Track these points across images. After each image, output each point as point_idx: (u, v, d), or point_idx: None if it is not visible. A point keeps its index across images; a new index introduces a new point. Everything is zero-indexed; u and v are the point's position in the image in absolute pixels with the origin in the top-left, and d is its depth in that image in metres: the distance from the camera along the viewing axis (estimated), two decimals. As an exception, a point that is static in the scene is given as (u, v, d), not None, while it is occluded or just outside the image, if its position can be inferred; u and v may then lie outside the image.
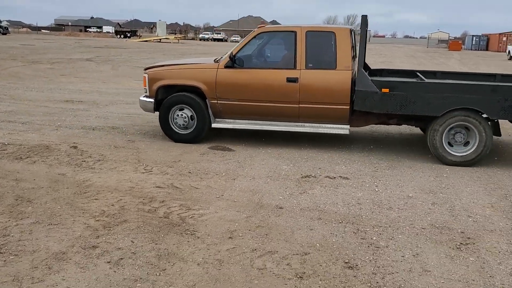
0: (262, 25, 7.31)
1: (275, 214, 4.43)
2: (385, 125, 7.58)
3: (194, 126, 6.98)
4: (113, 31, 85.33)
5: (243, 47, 6.82)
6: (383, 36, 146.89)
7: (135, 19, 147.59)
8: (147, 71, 7.24)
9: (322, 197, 4.93)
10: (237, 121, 6.97)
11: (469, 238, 4.04)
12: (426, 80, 6.75)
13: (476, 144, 6.15)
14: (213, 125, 6.94)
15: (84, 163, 5.86)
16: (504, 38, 60.42)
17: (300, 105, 6.62)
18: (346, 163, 6.22)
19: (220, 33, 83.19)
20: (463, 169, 6.04)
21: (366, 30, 6.55)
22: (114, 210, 4.40)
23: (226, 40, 78.15)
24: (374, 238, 3.98)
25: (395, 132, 8.31)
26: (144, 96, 7.27)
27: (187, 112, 6.95)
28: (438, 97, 6.12)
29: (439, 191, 5.20)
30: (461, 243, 3.93)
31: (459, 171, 5.98)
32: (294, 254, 3.64)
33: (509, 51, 42.51)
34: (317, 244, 3.82)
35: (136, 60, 24.14)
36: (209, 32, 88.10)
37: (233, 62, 6.69)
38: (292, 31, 6.68)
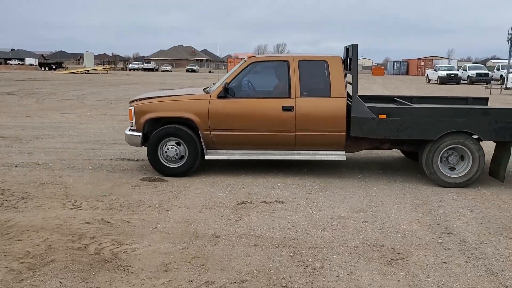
0: (251, 55, 7.22)
1: (211, 243, 4.37)
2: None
3: (186, 159, 6.81)
4: (37, 63, 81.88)
5: (235, 77, 6.80)
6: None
7: (61, 51, 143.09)
8: (133, 103, 7.03)
9: (258, 222, 4.94)
10: (230, 151, 6.88)
11: (399, 253, 4.20)
12: (422, 106, 7.10)
13: (470, 165, 6.39)
14: (207, 157, 6.83)
15: (6, 203, 5.51)
16: (422, 63, 64.72)
17: (296, 133, 6.66)
18: (281, 187, 6.30)
19: (150, 63, 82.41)
20: (391, 187, 6.32)
21: (357, 58, 6.81)
22: (40, 250, 4.16)
23: (156, 70, 77.52)
24: (310, 260, 4.03)
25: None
26: (129, 130, 7.05)
27: (177, 144, 6.82)
28: (433, 121, 6.33)
29: (369, 210, 5.39)
30: (391, 259, 4.07)
31: (387, 189, 6.24)
32: (231, 283, 3.60)
33: (427, 75, 45.59)
34: (255, 271, 3.81)
35: (62, 93, 23.29)
36: (139, 62, 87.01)
37: (226, 92, 6.65)
38: (285, 61, 6.82)
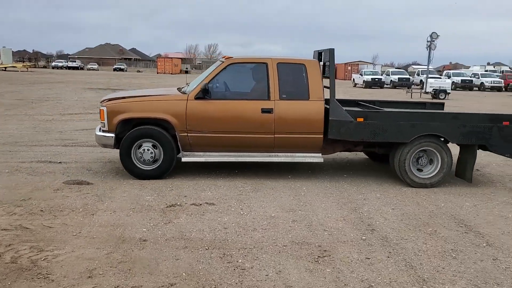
0: (228, 56, 6.98)
1: (138, 247, 4.26)
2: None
3: (161, 161, 6.63)
4: None
5: (213, 78, 6.69)
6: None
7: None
8: (106, 103, 6.70)
9: (188, 225, 4.88)
10: (207, 153, 6.76)
11: (325, 250, 4.32)
12: (396, 110, 7.25)
13: (439, 166, 6.69)
14: (183, 159, 6.69)
15: None
16: (349, 68, 67.16)
17: (275, 135, 6.65)
18: (211, 189, 6.27)
19: (75, 61, 78.93)
20: (319, 187, 6.49)
21: (334, 63, 6.88)
22: (-51, 261, 3.84)
23: (82, 68, 74.35)
24: (240, 260, 4.04)
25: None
26: (101, 131, 6.71)
27: (152, 147, 6.60)
28: (408, 125, 6.57)
29: (298, 209, 5.50)
30: (318, 256, 4.18)
31: (315, 189, 6.40)
32: (159, 287, 3.53)
33: (353, 79, 47.44)
34: (183, 274, 3.76)
35: (-23, 91, 21.72)
36: (63, 60, 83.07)
37: (205, 93, 6.53)
38: (263, 63, 6.75)
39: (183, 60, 74.52)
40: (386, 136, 6.64)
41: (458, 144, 6.88)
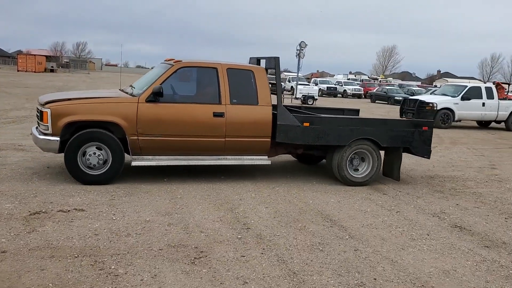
0: (177, 60, 6.85)
1: (-3, 259, 3.87)
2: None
3: (109, 166, 6.39)
4: None
5: (164, 81, 6.56)
6: (116, 65, 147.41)
7: None
8: (50, 105, 6.24)
9: (55, 233, 4.55)
10: (157, 157, 6.63)
11: (202, 252, 4.35)
12: (337, 116, 7.63)
13: (370, 166, 7.39)
14: (133, 163, 6.50)
15: None
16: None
17: (226, 139, 6.77)
18: (81, 194, 5.92)
19: None
20: (195, 189, 6.50)
21: (280, 71, 7.27)
22: None
23: None
24: (113, 266, 3.89)
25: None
26: (43, 134, 6.27)
27: (98, 150, 6.34)
28: (347, 129, 7.14)
29: (174, 212, 5.45)
30: (195, 258, 4.19)
31: (192, 191, 6.40)
32: (22, 301, 3.24)
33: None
34: (50, 285, 3.50)
35: None
36: None
37: (156, 96, 6.39)
38: (213, 68, 6.86)
39: (48, 58, 69.03)
40: (328, 140, 7.16)
41: (385, 147, 7.57)
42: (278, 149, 7.49)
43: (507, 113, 18.89)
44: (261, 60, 7.95)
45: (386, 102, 36.43)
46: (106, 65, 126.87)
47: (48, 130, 6.27)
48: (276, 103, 7.05)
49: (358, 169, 7.48)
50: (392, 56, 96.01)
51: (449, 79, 77.70)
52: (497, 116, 18.60)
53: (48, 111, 6.24)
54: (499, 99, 18.92)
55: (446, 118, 17.94)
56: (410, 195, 6.98)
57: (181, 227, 4.98)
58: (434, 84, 71.40)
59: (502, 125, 19.31)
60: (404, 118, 7.90)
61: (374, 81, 63.10)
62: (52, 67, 62.70)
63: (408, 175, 8.46)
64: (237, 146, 6.93)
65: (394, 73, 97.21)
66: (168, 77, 6.67)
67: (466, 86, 19.21)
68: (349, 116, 8.62)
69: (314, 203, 6.18)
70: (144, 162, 6.60)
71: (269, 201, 6.17)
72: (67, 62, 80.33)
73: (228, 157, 6.98)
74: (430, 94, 22.34)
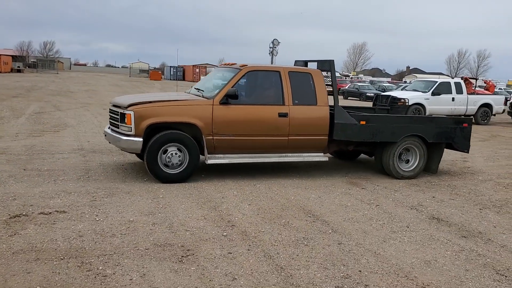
0: (243, 64, 7.38)
1: (-20, 264, 3.80)
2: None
3: (187, 165, 6.81)
4: None
5: (234, 84, 7.02)
6: (85, 65, 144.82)
7: None
8: (132, 108, 6.63)
9: (38, 236, 4.49)
10: (228, 155, 7.09)
11: (188, 250, 4.37)
12: (389, 115, 8.17)
13: (418, 160, 7.96)
14: (209, 162, 6.94)
15: None
16: (197, 70, 68.01)
17: (289, 137, 7.25)
18: (61, 196, 5.85)
19: None
20: (177, 189, 6.50)
21: (335, 73, 7.81)
22: None
23: None
24: (101, 267, 3.87)
25: (109, 161, 8.28)
26: (126, 136, 6.62)
27: (177, 150, 6.76)
28: (398, 127, 7.71)
29: (157, 212, 5.44)
30: (182, 256, 4.21)
31: (174, 191, 6.40)
32: (11, 305, 3.21)
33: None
34: (38, 287, 3.47)
35: None
36: None
37: (229, 98, 6.86)
38: (277, 71, 7.40)
39: (15, 58, 67.13)
40: (381, 137, 7.70)
41: (430, 143, 8.02)
42: (331, 147, 7.93)
43: (476, 108, 19.47)
44: (308, 62, 8.61)
45: (358, 99, 36.95)
46: (75, 64, 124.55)
47: (131, 131, 6.62)
48: (332, 104, 7.61)
49: (406, 164, 8.02)
50: (363, 53, 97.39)
51: (418, 75, 79.42)
52: (466, 110, 19.13)
53: (132, 113, 6.59)
54: (467, 94, 19.47)
55: (417, 113, 18.36)
56: (388, 189, 7.14)
57: (165, 226, 4.98)
58: (404, 80, 72.76)
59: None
60: (447, 116, 8.77)
61: (345, 78, 63.86)
62: (18, 67, 61.05)
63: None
64: (298, 144, 7.40)
65: (365, 69, 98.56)
66: (238, 80, 7.15)
67: (436, 82, 19.68)
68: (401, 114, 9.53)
69: (295, 199, 6.27)
70: (218, 160, 7.05)
71: (251, 198, 6.22)
72: (34, 62, 78.24)
73: (289, 154, 7.46)
74: (402, 90, 22.80)
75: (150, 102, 6.90)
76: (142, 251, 4.27)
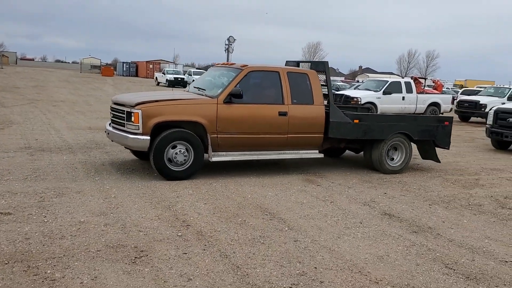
0: (244, 64, 7.58)
1: None
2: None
3: (191, 162, 6.92)
4: None
5: (237, 84, 7.17)
6: (32, 59, 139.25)
7: None
8: (140, 106, 6.69)
9: (-21, 239, 4.25)
10: (230, 153, 7.25)
11: (142, 251, 4.26)
12: (380, 114, 8.55)
13: (404, 156, 8.50)
14: (213, 159, 7.07)
15: None
16: (151, 66, 66.85)
17: (288, 135, 7.52)
18: (5, 196, 5.57)
19: None
20: (130, 188, 6.33)
21: (329, 73, 8.19)
22: None
23: None
24: (49, 271, 3.71)
25: (58, 159, 7.97)
26: (133, 134, 6.68)
27: (183, 148, 6.85)
28: (387, 125, 8.20)
29: (109, 212, 5.28)
30: (136, 257, 4.10)
31: (126, 190, 6.23)
32: (-51, 314, 3.01)
33: (156, 78, 47.39)
34: (-20, 295, 3.28)
35: None
36: None
37: (233, 97, 7.04)
38: (276, 71, 7.63)
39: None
40: (372, 134, 8.14)
41: (416, 140, 8.60)
42: (324, 144, 8.14)
43: (425, 106, 20.15)
44: (300, 63, 8.92)
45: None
46: (21, 59, 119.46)
47: (138, 129, 6.67)
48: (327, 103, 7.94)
49: (393, 159, 8.52)
50: (317, 52, 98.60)
51: (370, 74, 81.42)
52: (416, 109, 19.77)
53: (140, 112, 6.64)
54: (417, 93, 20.12)
55: (370, 111, 18.81)
56: (342, 186, 7.26)
57: (118, 227, 4.84)
58: (356, 79, 74.42)
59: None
60: (430, 115, 9.59)
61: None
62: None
63: (338, 167, 8.79)
64: (296, 142, 7.68)
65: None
66: (241, 80, 7.28)
67: (387, 81, 20.23)
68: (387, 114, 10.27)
69: (252, 198, 6.25)
70: (221, 158, 7.20)
71: (207, 197, 6.15)
72: (-25, 55, 74.53)
73: (287, 151, 7.73)
74: (354, 89, 23.28)
75: (157, 101, 6.97)
76: (94, 253, 4.13)
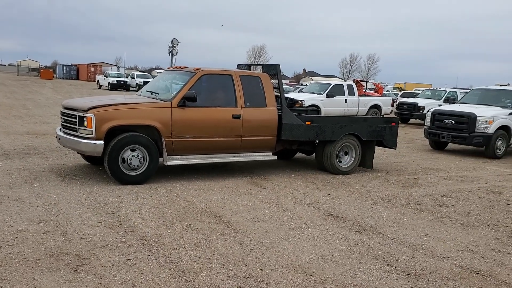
0: (197, 68, 7.58)
1: None
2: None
3: (146, 166, 6.86)
4: None
5: (190, 87, 7.17)
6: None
7: None
8: (93, 111, 6.56)
9: None
10: (185, 157, 7.23)
11: (84, 258, 4.14)
12: (331, 115, 9.01)
13: (353, 157, 8.77)
14: (168, 163, 7.03)
15: None
16: (93, 69, 64.89)
17: (242, 138, 7.62)
18: None
19: None
20: (71, 194, 6.14)
21: (281, 76, 8.36)
22: None
23: None
24: (-17, 284, 3.53)
25: (-7, 164, 7.59)
26: (86, 139, 6.54)
27: (138, 152, 6.79)
28: (338, 126, 8.40)
29: (49, 219, 5.10)
30: (77, 265, 3.98)
31: (67, 196, 6.04)
32: None
33: (98, 81, 46.09)
34: None
35: None
36: None
37: (187, 101, 7.02)
38: (229, 74, 7.71)
39: None
40: (324, 136, 8.34)
41: (364, 141, 8.76)
42: (277, 146, 8.28)
43: (366, 109, 20.85)
44: (251, 66, 9.26)
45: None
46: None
47: (92, 134, 6.55)
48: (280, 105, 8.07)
49: (342, 161, 8.75)
50: (262, 55, 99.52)
51: (313, 78, 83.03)
52: (357, 111, 20.41)
53: (92, 116, 6.53)
54: (359, 95, 20.78)
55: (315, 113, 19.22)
56: (287, 188, 7.38)
57: (58, 234, 4.68)
58: (300, 82, 75.72)
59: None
60: (376, 117, 9.94)
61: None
62: None
63: (283, 169, 8.92)
64: (250, 144, 7.78)
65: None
66: (194, 83, 7.29)
67: (330, 84, 20.76)
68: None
69: (198, 201, 6.23)
70: (176, 161, 7.17)
71: (152, 202, 6.06)
72: None
73: (241, 154, 7.80)
74: (299, 92, 23.71)
75: (110, 105, 6.86)
76: (33, 262, 3.97)
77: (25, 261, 3.99)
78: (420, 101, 21.78)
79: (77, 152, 7.46)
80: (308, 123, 8.20)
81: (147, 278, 3.84)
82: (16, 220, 5.00)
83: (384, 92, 34.56)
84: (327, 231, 5.40)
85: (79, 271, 3.88)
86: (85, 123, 6.61)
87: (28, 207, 5.48)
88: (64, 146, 7.30)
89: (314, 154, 9.17)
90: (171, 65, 35.81)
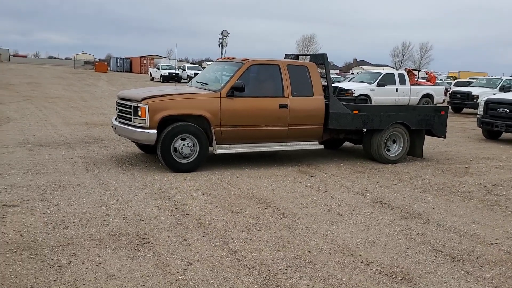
0: (245, 58, 7.76)
1: None
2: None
3: (197, 155, 7.13)
4: None
5: (239, 78, 7.37)
6: (25, 56, 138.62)
7: None
8: (146, 101, 6.91)
9: (-14, 230, 4.42)
10: (233, 145, 7.46)
11: (144, 238, 4.44)
12: (378, 104, 8.83)
13: (402, 146, 8.70)
14: (218, 151, 7.30)
15: None
16: (145, 61, 66.69)
17: (289, 127, 7.74)
18: (9, 190, 5.73)
19: None
20: (129, 180, 6.51)
21: (329, 66, 8.35)
22: None
23: None
24: (55, 258, 3.88)
25: (57, 154, 8.13)
26: (140, 128, 6.90)
27: (189, 141, 7.07)
28: (386, 115, 8.40)
29: (110, 203, 5.46)
30: (138, 244, 4.28)
31: (126, 182, 6.41)
32: (-36, 297, 3.19)
33: (150, 73, 47.40)
34: (-8, 280, 3.45)
35: None
36: None
37: (235, 91, 7.23)
38: (276, 64, 7.82)
39: None
40: (372, 125, 8.38)
41: (413, 130, 8.70)
42: (324, 135, 8.34)
43: (418, 98, 20.37)
44: (299, 56, 9.31)
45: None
46: (14, 56, 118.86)
47: (145, 123, 6.89)
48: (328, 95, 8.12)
49: (390, 150, 8.72)
50: (312, 45, 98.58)
51: (364, 67, 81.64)
52: (409, 100, 19.99)
53: (146, 106, 6.86)
54: (410, 85, 20.34)
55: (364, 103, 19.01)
56: (335, 176, 7.46)
57: (119, 216, 5.02)
58: (351, 71, 74.59)
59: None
60: (428, 105, 9.90)
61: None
62: None
63: (332, 158, 8.99)
64: (297, 133, 7.89)
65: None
66: (242, 74, 7.46)
67: (381, 73, 20.43)
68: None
69: (248, 188, 6.44)
70: (225, 150, 7.41)
71: (204, 188, 6.33)
72: None
73: (288, 143, 7.93)
74: (349, 81, 23.46)
75: (162, 95, 7.18)
76: (97, 241, 4.31)
77: (90, 240, 4.34)
78: (474, 90, 21.04)
79: (132, 141, 7.84)
80: (356, 112, 8.26)
81: (202, 256, 4.09)
82: (80, 204, 5.40)
83: (436, 81, 33.54)
84: (375, 217, 5.47)
85: (139, 249, 4.18)
86: (139, 113, 6.93)
87: (91, 192, 5.88)
88: (119, 135, 7.69)
89: (361, 143, 9.14)
90: (221, 56, 36.35)
